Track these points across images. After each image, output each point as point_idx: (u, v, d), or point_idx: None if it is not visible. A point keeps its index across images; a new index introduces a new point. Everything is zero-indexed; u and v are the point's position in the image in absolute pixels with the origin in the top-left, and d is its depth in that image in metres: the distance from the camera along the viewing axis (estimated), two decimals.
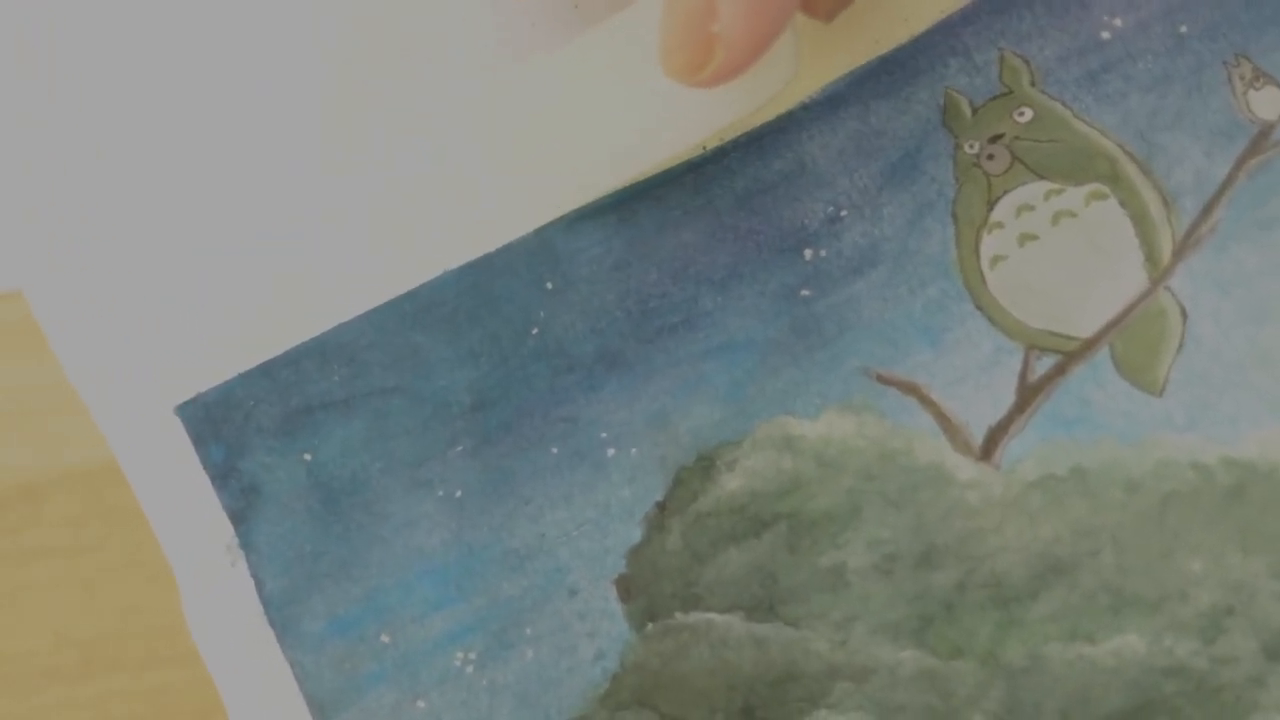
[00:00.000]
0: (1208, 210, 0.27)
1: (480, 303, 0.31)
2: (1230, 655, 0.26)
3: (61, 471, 0.32)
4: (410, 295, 0.31)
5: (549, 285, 0.30)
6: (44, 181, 0.31)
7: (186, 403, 0.31)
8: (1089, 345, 0.28)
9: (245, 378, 0.31)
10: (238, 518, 0.30)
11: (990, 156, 0.29)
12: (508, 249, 0.31)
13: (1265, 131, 0.27)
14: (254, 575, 0.30)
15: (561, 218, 0.30)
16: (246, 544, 0.30)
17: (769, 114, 0.30)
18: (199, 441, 0.30)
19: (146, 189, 0.32)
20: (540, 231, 0.30)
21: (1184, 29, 0.28)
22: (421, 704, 0.29)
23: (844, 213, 0.30)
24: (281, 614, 0.30)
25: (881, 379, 0.29)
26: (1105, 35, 0.28)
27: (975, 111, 0.29)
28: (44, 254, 0.32)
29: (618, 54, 0.28)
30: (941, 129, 0.29)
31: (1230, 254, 0.27)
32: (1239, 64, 0.27)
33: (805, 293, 0.29)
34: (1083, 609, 0.27)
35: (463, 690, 0.29)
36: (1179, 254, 0.27)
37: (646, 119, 0.28)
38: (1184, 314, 0.27)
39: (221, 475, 0.30)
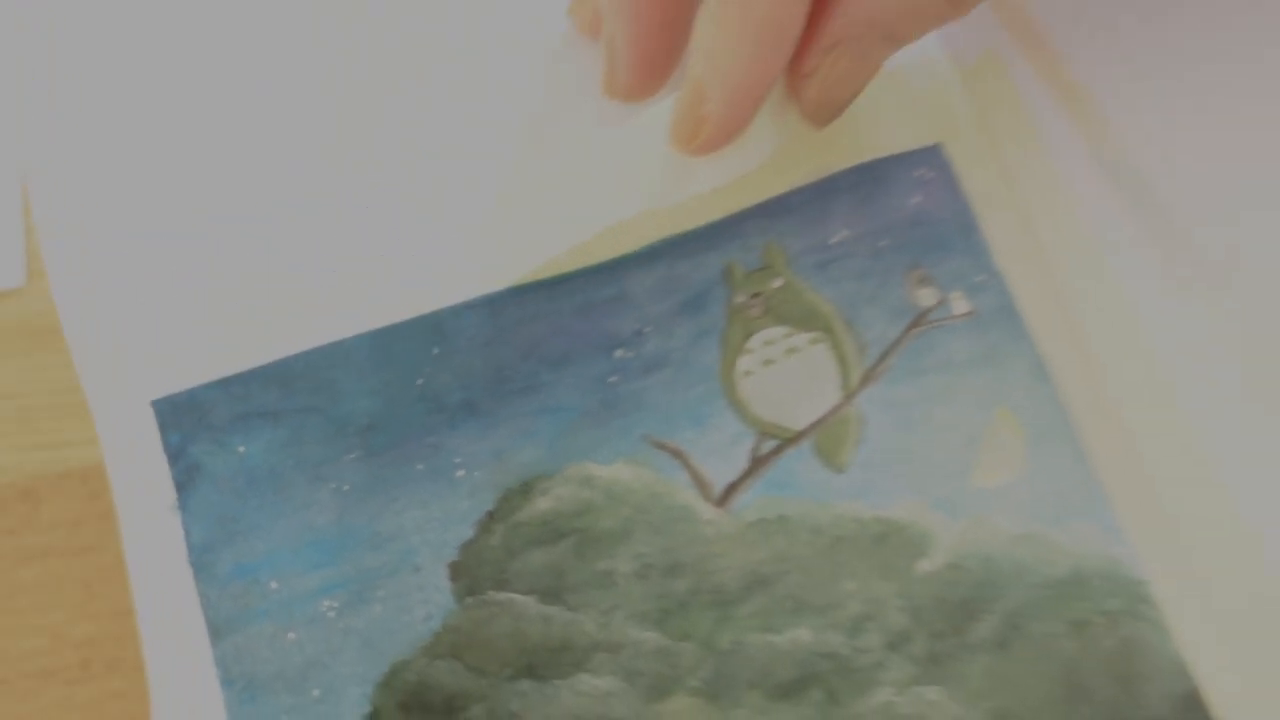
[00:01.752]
0: (884, 358, 0.40)
1: (384, 358, 0.40)
2: (866, 647, 0.37)
3: (61, 471, 0.32)
4: (336, 345, 0.40)
5: (435, 351, 0.40)
6: (44, 181, 0.33)
7: (161, 399, 0.39)
8: (800, 435, 0.39)
9: (207, 387, 0.39)
10: (180, 487, 0.38)
11: (751, 306, 0.42)
12: (408, 323, 0.41)
13: (925, 313, 0.41)
14: (185, 528, 0.38)
15: (451, 306, 0.41)
16: (183, 506, 0.38)
17: (605, 256, 0.43)
18: (164, 428, 0.39)
19: (146, 188, 0.35)
20: (434, 314, 0.41)
21: (883, 244, 0.42)
22: (292, 635, 0.37)
23: (646, 329, 0.41)
24: (200, 558, 0.38)
25: (656, 444, 0.40)
26: (833, 240, 0.42)
27: (746, 276, 0.42)
28: (43, 253, 0.35)
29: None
30: (722, 283, 0.42)
31: (896, 387, 0.40)
32: (913, 270, 0.41)
33: (612, 379, 0.41)
34: (774, 611, 0.38)
35: (324, 629, 0.37)
36: (864, 383, 0.40)
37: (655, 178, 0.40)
38: (863, 421, 0.40)
39: (175, 454, 0.39)
